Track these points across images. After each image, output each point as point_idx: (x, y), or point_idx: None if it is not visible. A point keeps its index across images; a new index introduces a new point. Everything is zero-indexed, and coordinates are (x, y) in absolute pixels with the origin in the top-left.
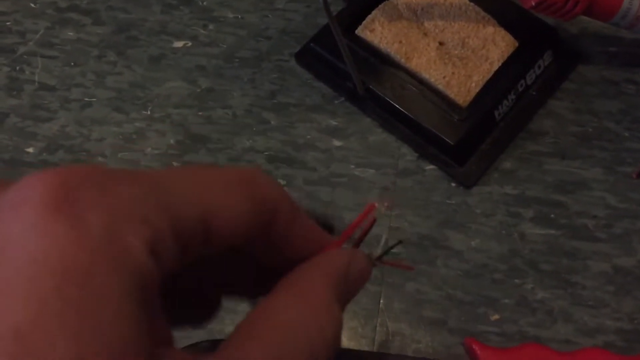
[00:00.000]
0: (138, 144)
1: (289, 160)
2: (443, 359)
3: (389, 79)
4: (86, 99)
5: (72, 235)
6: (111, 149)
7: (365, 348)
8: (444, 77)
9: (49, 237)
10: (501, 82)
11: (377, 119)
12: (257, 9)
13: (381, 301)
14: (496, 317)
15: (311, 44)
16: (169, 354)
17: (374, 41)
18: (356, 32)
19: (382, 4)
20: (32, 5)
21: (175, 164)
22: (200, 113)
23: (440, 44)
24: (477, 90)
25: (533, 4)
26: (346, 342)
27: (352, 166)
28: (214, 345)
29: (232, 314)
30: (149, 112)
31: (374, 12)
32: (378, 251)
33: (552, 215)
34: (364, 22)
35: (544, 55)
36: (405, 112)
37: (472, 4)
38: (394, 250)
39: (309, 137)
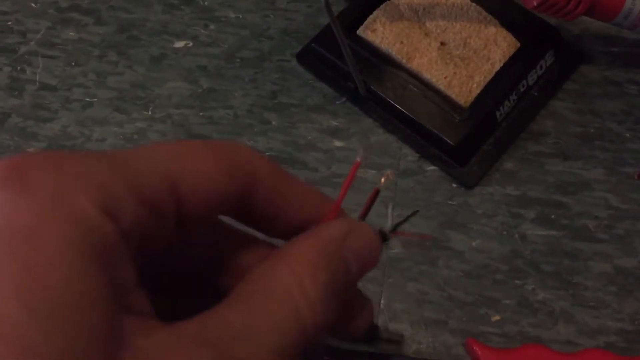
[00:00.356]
0: (139, 144)
1: (290, 161)
2: None
3: (390, 79)
4: (87, 99)
5: (19, 201)
6: (112, 149)
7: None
8: (446, 78)
9: None
10: (503, 83)
11: (379, 120)
12: (259, 9)
13: (382, 301)
14: (497, 317)
15: (312, 44)
16: (137, 320)
17: (376, 41)
18: (357, 32)
19: (384, 4)
20: (33, 5)
21: None
22: (201, 113)
23: (442, 44)
24: (479, 90)
25: (535, 4)
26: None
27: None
28: None
29: None
30: (150, 113)
31: (375, 12)
32: (388, 225)
33: (554, 216)
34: (366, 22)
35: (545, 56)
36: (407, 112)
37: (474, 4)
38: (396, 249)
39: (310, 137)
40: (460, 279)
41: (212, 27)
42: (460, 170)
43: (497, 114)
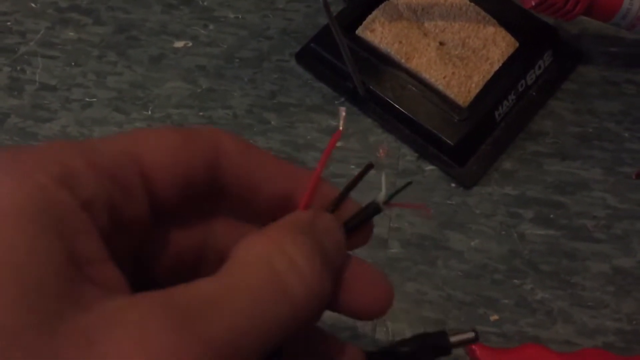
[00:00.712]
0: None
1: (289, 160)
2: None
3: (389, 79)
4: (87, 99)
5: None
6: None
7: (366, 348)
8: (444, 78)
9: None
10: (501, 83)
11: (377, 120)
12: (258, 9)
13: None
14: (496, 317)
15: (311, 44)
16: (102, 291)
17: (374, 41)
18: (356, 32)
19: (383, 4)
20: (33, 5)
21: None
22: (200, 113)
23: (441, 44)
24: (478, 90)
25: (533, 4)
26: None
27: (352, 166)
28: None
29: None
30: (149, 113)
31: (374, 12)
32: (382, 196)
33: (552, 216)
34: (364, 22)
35: (544, 56)
36: (406, 112)
37: (472, 4)
38: (395, 249)
39: (309, 137)
40: (459, 278)
41: (211, 27)
42: (459, 170)
43: (496, 113)
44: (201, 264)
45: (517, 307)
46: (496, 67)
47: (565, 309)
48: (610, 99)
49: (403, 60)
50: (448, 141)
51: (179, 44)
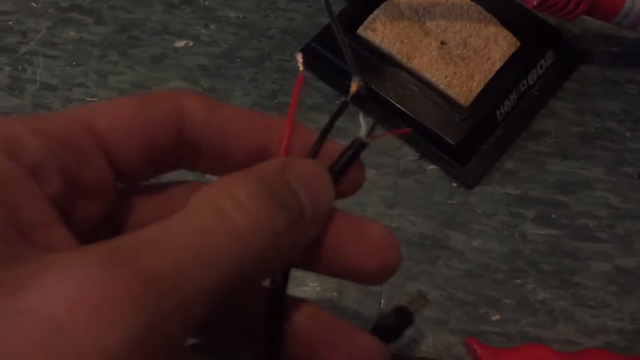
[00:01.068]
0: None
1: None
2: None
3: (390, 79)
4: (88, 99)
5: None
6: None
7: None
8: (446, 77)
9: None
10: (503, 82)
11: (379, 119)
12: (259, 8)
13: (382, 301)
14: (497, 317)
15: (313, 44)
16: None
17: (376, 41)
18: (358, 31)
19: (384, 4)
20: (34, 4)
21: None
22: None
23: (442, 43)
24: (479, 90)
25: (535, 3)
26: None
27: None
28: (214, 346)
29: None
30: None
31: (375, 12)
32: (363, 131)
33: (554, 216)
34: (366, 22)
35: (546, 55)
36: (407, 112)
37: (474, 3)
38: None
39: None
40: (461, 278)
41: (212, 26)
42: (460, 169)
43: (498, 113)
44: None
45: (518, 306)
46: (498, 66)
47: (567, 308)
48: (612, 99)
49: (404, 60)
50: (449, 141)
51: (180, 43)
